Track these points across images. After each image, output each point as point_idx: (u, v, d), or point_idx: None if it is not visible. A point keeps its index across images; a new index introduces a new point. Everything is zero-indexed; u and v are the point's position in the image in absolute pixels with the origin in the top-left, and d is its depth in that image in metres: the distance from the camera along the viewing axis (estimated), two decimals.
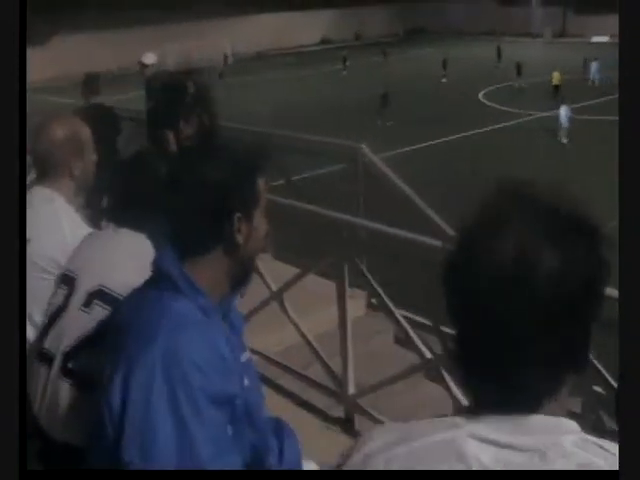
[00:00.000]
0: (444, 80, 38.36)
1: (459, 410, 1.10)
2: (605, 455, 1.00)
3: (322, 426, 4.29)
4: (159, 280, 1.76)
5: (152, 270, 1.79)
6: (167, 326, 1.66)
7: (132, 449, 1.59)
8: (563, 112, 24.95)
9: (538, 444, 1.00)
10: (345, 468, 1.13)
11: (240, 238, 1.76)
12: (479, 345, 1.03)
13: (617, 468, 0.99)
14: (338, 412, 4.40)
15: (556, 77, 32.65)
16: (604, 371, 3.41)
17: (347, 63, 45.56)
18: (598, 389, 3.51)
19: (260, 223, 1.81)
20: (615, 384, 3.42)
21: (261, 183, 1.81)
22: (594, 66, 35.92)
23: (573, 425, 1.04)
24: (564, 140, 24.39)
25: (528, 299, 0.98)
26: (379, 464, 1.08)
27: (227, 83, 37.03)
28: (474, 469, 1.01)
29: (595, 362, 3.38)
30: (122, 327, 1.76)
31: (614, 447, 1.02)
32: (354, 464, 1.11)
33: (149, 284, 1.79)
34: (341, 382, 4.37)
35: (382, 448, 1.10)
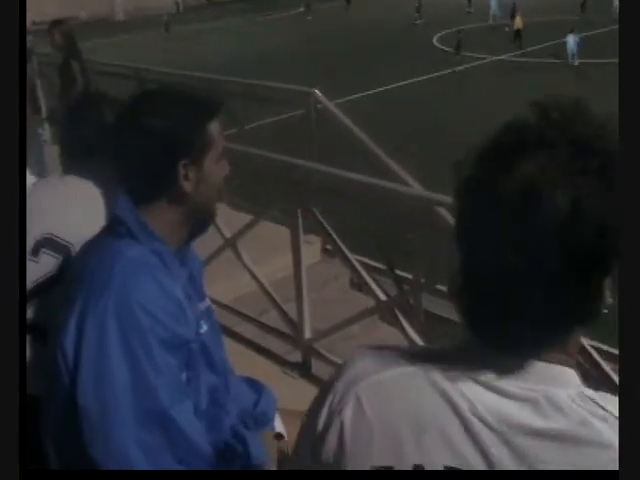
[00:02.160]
0: (418, 22, 37.86)
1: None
2: (600, 414, 0.93)
3: (280, 371, 4.31)
4: (114, 227, 1.74)
5: (109, 217, 1.77)
6: (121, 272, 1.64)
7: (87, 394, 1.59)
8: (571, 39, 27.32)
9: (531, 394, 0.94)
10: (327, 397, 1.07)
11: (188, 185, 1.73)
12: (488, 284, 0.94)
13: (615, 431, 0.92)
14: (295, 357, 4.42)
15: (517, 21, 32.32)
16: None
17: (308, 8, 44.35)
18: None
19: (213, 169, 1.77)
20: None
21: (213, 128, 1.76)
22: (493, 4, 36.02)
23: (572, 376, 0.97)
24: (576, 63, 26.93)
25: (548, 240, 0.89)
26: (363, 389, 1.03)
27: (177, 32, 36.24)
28: (460, 406, 0.96)
29: None
30: (76, 274, 1.74)
31: (611, 403, 0.94)
32: (337, 388, 1.06)
33: (105, 231, 1.77)
34: (297, 327, 4.38)
35: (367, 372, 1.05)
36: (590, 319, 0.96)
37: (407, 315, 4.00)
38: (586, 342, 3.53)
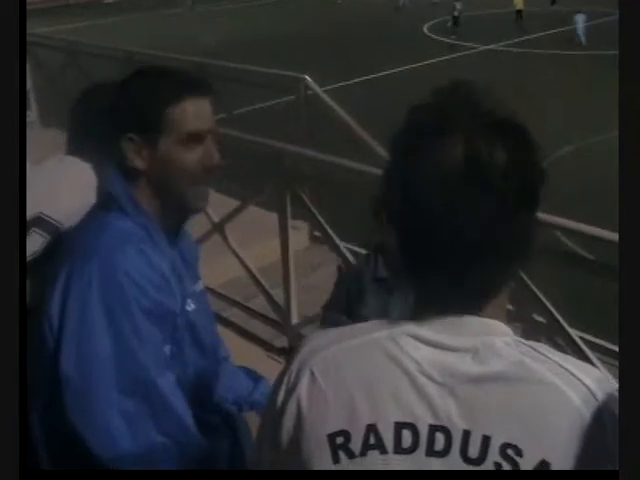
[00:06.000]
0: (437, 1, 37.27)
1: None
2: (535, 355, 1.01)
3: (266, 356, 4.31)
4: (105, 201, 1.75)
5: (99, 192, 1.78)
6: (107, 242, 1.66)
7: (70, 360, 1.60)
8: (580, 19, 26.96)
9: (470, 344, 1.02)
10: (283, 379, 1.12)
11: (139, 162, 1.72)
12: (422, 242, 1.03)
13: (554, 371, 0.99)
14: (282, 342, 4.43)
15: (518, 1, 30.72)
16: (544, 299, 3.47)
17: None
18: (538, 318, 3.59)
19: (173, 151, 1.71)
20: (554, 311, 3.50)
21: (181, 109, 1.70)
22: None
23: (506, 328, 1.05)
24: (583, 39, 26.66)
25: (474, 196, 0.98)
26: (316, 363, 1.08)
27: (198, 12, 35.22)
28: (407, 367, 1.02)
29: (536, 290, 3.44)
30: (65, 246, 1.75)
31: (545, 348, 1.03)
32: (293, 368, 1.11)
33: (96, 207, 1.78)
34: (284, 313, 4.38)
35: (319, 347, 1.10)
36: (520, 266, 1.08)
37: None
38: (574, 333, 3.54)
